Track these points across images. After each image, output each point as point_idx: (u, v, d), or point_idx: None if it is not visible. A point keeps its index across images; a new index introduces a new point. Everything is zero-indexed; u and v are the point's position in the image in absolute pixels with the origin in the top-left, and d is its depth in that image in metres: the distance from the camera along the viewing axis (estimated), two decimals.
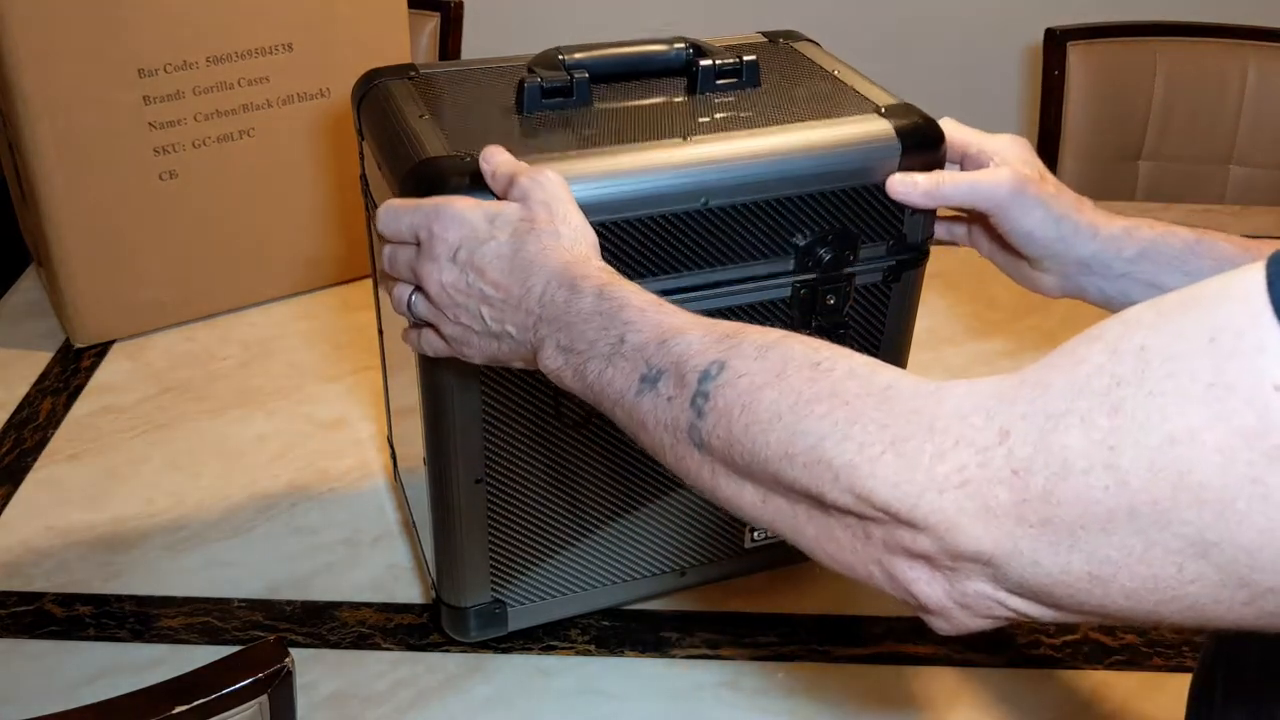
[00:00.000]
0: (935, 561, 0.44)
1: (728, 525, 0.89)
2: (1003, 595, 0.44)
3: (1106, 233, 0.74)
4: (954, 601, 0.45)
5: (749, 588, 0.94)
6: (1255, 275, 0.37)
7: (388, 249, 0.67)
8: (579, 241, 0.62)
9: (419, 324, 0.67)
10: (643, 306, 0.57)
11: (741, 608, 0.92)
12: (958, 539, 0.42)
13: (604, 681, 0.86)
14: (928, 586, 0.45)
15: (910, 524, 0.44)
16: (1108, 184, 1.70)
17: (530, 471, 0.80)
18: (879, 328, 0.84)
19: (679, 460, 0.54)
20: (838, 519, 0.47)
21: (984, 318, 1.27)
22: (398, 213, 0.65)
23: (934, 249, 0.85)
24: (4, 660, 0.86)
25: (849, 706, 0.84)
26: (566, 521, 0.84)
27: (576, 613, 0.89)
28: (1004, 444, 0.41)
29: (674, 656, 0.88)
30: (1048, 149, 1.67)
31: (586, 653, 0.88)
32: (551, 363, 0.60)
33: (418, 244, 0.65)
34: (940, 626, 0.47)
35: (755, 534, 0.90)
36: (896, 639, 0.90)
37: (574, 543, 0.85)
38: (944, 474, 0.42)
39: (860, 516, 0.46)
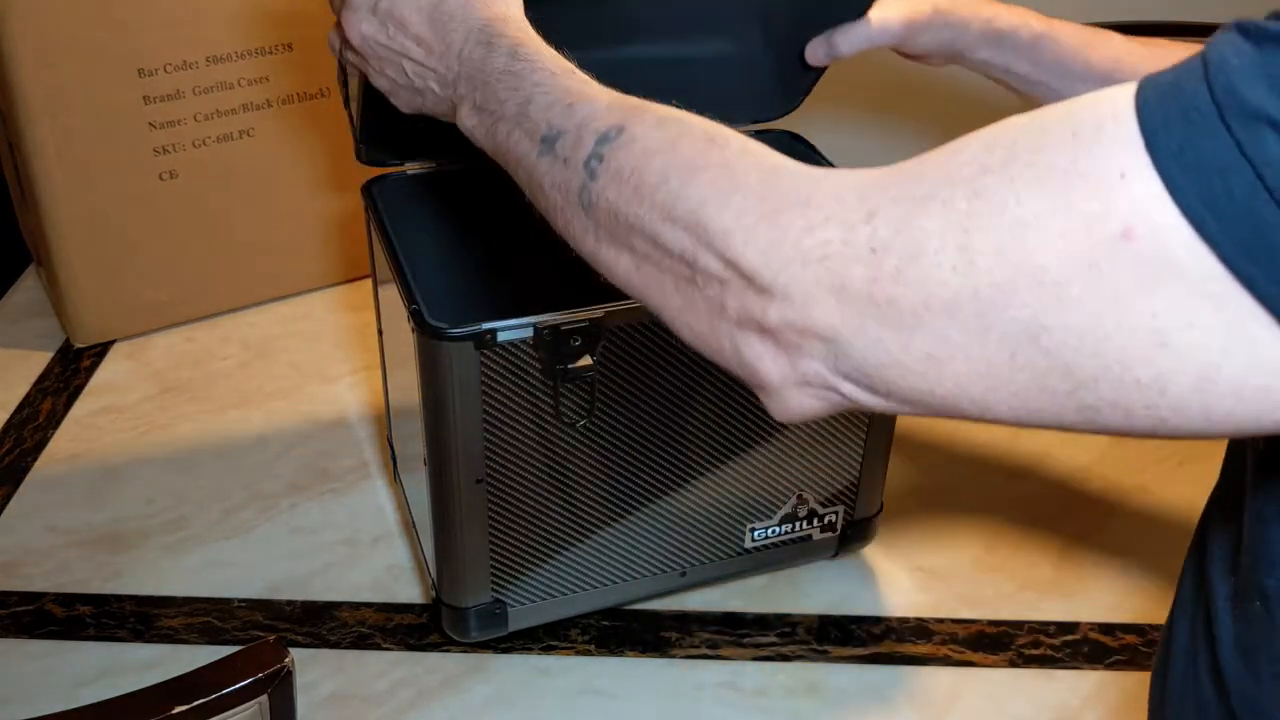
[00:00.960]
0: (781, 337, 0.46)
1: (728, 525, 0.89)
2: (839, 379, 0.45)
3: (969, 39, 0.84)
4: (793, 381, 0.46)
5: (749, 588, 0.94)
6: (1129, 85, 0.39)
7: None
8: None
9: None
10: (554, 70, 0.57)
11: (741, 608, 0.92)
12: (810, 312, 0.44)
13: (604, 681, 0.86)
14: (771, 363, 0.47)
15: (768, 292, 0.45)
16: None
17: (530, 471, 0.80)
18: None
19: (566, 224, 0.55)
20: (701, 290, 0.49)
21: None
22: None
23: None
24: (4, 660, 0.86)
25: (849, 706, 0.84)
26: (566, 521, 0.84)
27: (576, 613, 0.89)
28: (869, 224, 0.43)
29: (674, 656, 0.88)
30: None
31: (586, 653, 0.88)
32: (468, 121, 0.60)
33: None
34: (775, 409, 0.48)
35: (755, 534, 0.90)
36: (896, 639, 0.90)
37: (574, 543, 0.85)
38: (809, 246, 0.44)
39: (723, 283, 0.47)
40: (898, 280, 0.41)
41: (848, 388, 0.45)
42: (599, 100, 0.54)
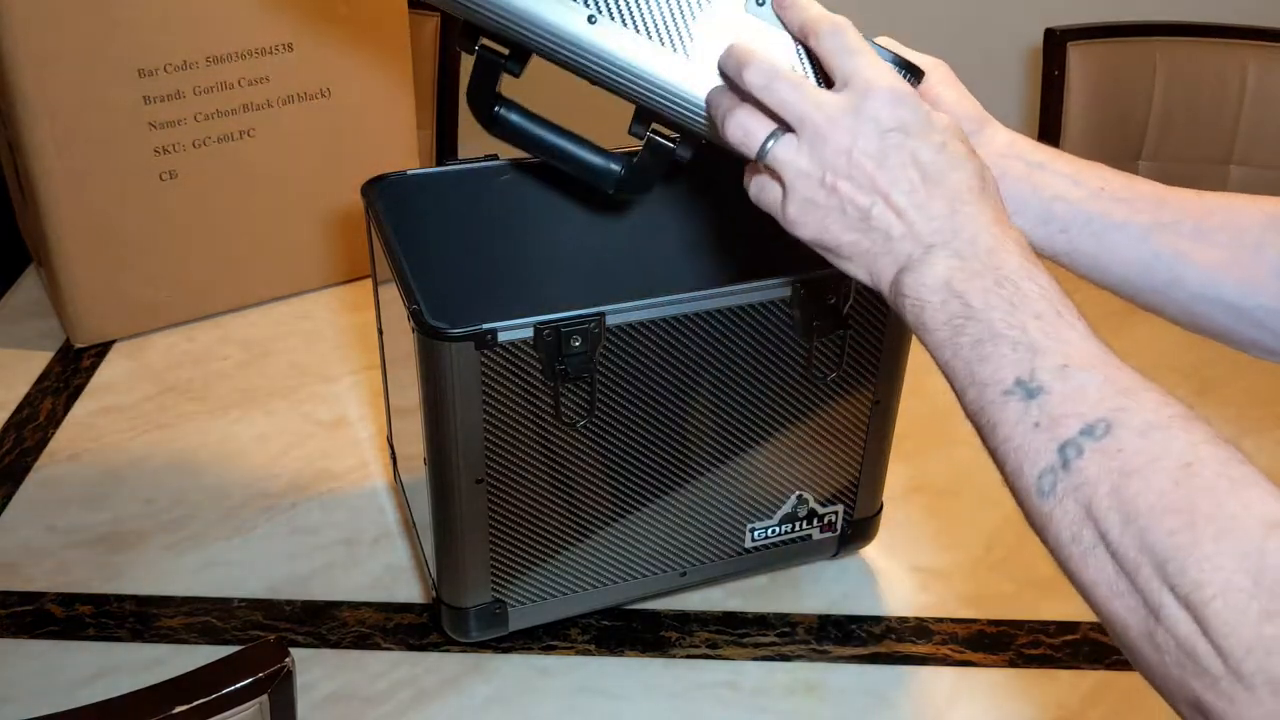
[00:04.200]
0: None
1: (728, 525, 0.89)
2: None
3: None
4: None
5: (749, 588, 0.94)
6: None
7: (786, 71, 0.57)
8: (993, 185, 0.57)
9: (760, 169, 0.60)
10: (1059, 309, 0.52)
11: (741, 608, 0.92)
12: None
13: (604, 681, 0.86)
14: None
15: (1235, 676, 0.42)
16: None
17: (530, 471, 0.80)
18: (879, 328, 0.84)
19: (1016, 479, 0.52)
20: (1159, 648, 0.45)
21: None
22: (857, 48, 0.58)
23: None
24: (4, 660, 0.86)
25: (849, 706, 0.84)
26: (566, 521, 0.84)
27: (576, 613, 0.89)
28: None
29: (674, 656, 0.88)
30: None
31: (586, 653, 0.88)
32: (918, 290, 0.55)
33: (825, 83, 0.57)
34: None
35: (755, 534, 0.90)
36: (896, 639, 0.90)
37: (574, 543, 0.85)
38: (1272, 635, 0.41)
39: (1185, 657, 0.44)
40: None
41: None
42: (1096, 371, 0.50)
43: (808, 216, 0.58)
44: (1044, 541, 0.51)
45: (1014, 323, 0.52)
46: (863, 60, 0.57)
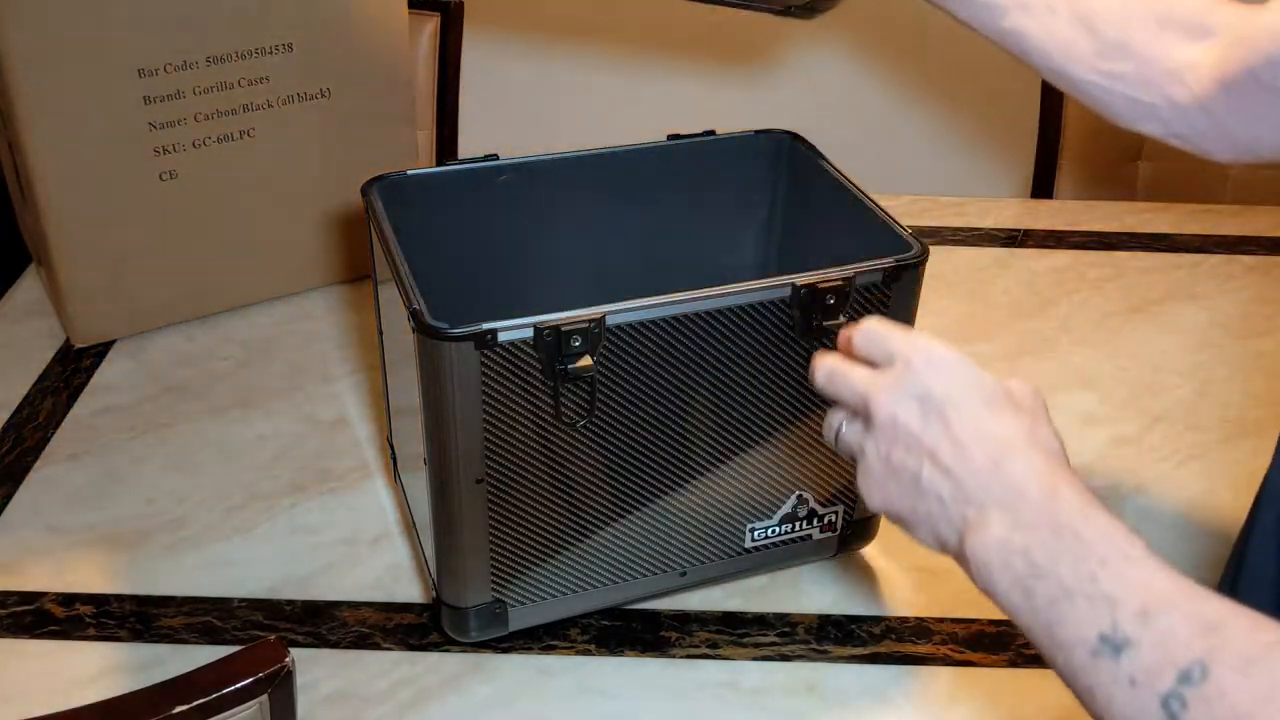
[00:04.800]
0: None
1: (728, 525, 0.89)
2: None
3: None
4: None
5: (749, 588, 0.94)
6: None
7: (839, 363, 0.62)
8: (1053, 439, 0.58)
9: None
10: (1126, 551, 0.52)
11: (741, 608, 0.92)
12: None
13: (604, 681, 0.86)
14: None
15: None
16: (1108, 184, 1.70)
17: (530, 471, 0.80)
18: None
19: None
20: None
21: (982, 318, 1.27)
22: (883, 333, 0.61)
23: (934, 249, 0.85)
24: (4, 660, 0.86)
25: (849, 706, 0.84)
26: (566, 521, 0.84)
27: (576, 613, 0.89)
28: None
29: (674, 656, 0.88)
30: (1047, 149, 1.67)
31: (586, 653, 0.88)
32: (978, 552, 0.55)
33: (878, 366, 0.61)
34: None
35: (755, 534, 0.90)
36: (896, 639, 0.90)
37: (574, 543, 0.85)
38: None
39: None
40: None
41: None
42: (1176, 611, 0.49)
43: (873, 488, 0.61)
44: None
45: (1082, 574, 0.52)
46: (895, 340, 0.61)
